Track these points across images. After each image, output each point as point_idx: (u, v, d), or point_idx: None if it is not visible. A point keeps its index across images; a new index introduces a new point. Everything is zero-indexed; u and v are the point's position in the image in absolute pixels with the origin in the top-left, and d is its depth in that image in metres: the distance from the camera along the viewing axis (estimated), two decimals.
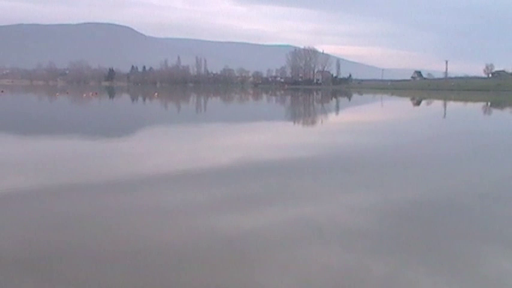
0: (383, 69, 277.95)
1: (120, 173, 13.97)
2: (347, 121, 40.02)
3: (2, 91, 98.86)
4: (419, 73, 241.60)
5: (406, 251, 7.86)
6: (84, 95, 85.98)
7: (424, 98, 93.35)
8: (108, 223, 9.12)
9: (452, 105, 72.77)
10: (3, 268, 6.91)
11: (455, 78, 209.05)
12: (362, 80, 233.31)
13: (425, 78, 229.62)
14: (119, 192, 11.57)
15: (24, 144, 20.70)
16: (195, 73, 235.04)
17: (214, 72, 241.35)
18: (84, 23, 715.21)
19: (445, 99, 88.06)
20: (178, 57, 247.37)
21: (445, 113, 54.01)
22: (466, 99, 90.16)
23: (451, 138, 26.17)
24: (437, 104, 75.19)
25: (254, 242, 8.14)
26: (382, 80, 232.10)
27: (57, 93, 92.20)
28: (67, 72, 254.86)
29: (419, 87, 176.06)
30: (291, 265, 7.18)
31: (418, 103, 78.02)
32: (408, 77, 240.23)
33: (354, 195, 11.61)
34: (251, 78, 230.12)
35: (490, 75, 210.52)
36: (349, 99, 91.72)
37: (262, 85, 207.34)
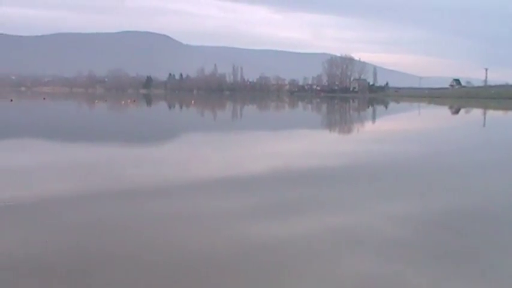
0: (421, 77, 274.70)
1: (157, 180, 14.09)
2: (383, 129, 39.64)
3: (44, 98, 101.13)
4: (457, 81, 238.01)
5: (445, 262, 7.72)
6: (123, 102, 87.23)
7: (463, 107, 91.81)
8: (144, 230, 9.19)
9: (492, 114, 71.40)
10: (43, 274, 7.06)
11: (496, 86, 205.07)
12: (399, 88, 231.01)
13: (464, 86, 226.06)
14: (155, 199, 11.67)
15: (64, 151, 21.09)
16: (232, 81, 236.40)
17: (250, 80, 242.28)
18: (123, 32, 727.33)
19: (485, 107, 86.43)
20: (215, 65, 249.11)
21: (484, 122, 53.02)
22: (506, 108, 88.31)
23: (490, 147, 25.69)
24: (477, 112, 73.91)
25: (290, 250, 8.09)
26: (419, 88, 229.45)
27: (96, 101, 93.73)
28: (106, 79, 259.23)
29: (458, 96, 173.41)
30: (326, 275, 7.13)
31: (456, 112, 76.85)
32: (446, 85, 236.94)
33: (391, 204, 11.47)
34: (287, 86, 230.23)
35: None
36: (386, 108, 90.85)
37: (298, 93, 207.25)
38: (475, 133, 36.74)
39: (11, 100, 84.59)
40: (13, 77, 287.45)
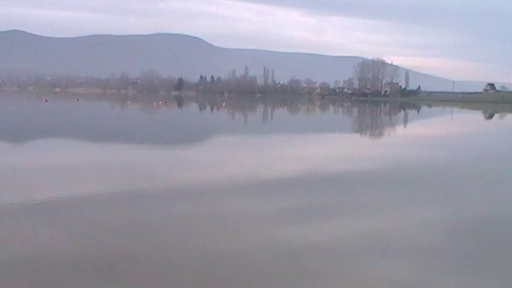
0: (454, 81, 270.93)
1: (188, 181, 14.25)
2: (415, 134, 39.25)
3: (78, 99, 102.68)
4: (492, 85, 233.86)
5: (478, 271, 7.65)
6: (154, 103, 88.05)
7: (497, 112, 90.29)
8: (175, 230, 9.34)
9: None
10: (75, 271, 7.23)
11: None
12: (431, 92, 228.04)
13: (498, 91, 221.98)
14: (186, 200, 11.81)
15: (98, 152, 21.43)
16: (263, 83, 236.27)
17: (281, 82, 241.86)
18: (155, 34, 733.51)
19: None
20: (246, 68, 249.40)
21: None
22: None
23: None
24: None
25: (320, 254, 8.13)
26: (452, 93, 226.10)
27: (129, 102, 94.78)
28: (138, 81, 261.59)
29: (492, 100, 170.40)
30: (357, 279, 7.14)
31: (490, 117, 75.62)
32: (480, 90, 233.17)
33: (423, 210, 11.40)
34: (318, 90, 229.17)
35: None
36: (418, 112, 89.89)
37: (329, 96, 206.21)
38: (509, 139, 36.14)
39: (46, 100, 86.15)
40: (48, 78, 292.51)
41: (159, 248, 8.26)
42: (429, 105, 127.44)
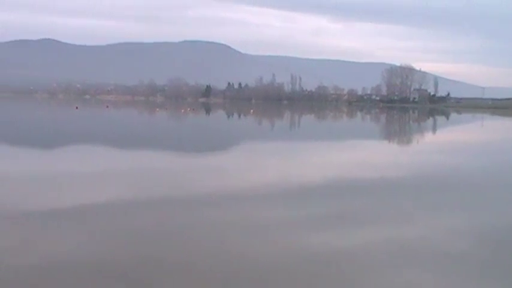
0: (484, 88, 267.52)
1: (216, 188, 14.41)
2: (444, 140, 38.92)
3: (107, 106, 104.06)
4: None
5: (509, 280, 7.64)
6: (182, 110, 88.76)
7: None
8: (201, 237, 9.45)
9: None
10: (103, 277, 7.44)
11: None
12: (461, 99, 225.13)
13: None
14: (213, 206, 11.95)
15: (128, 158, 21.75)
16: (290, 90, 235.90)
17: (308, 89, 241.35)
18: (183, 41, 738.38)
19: None
20: (273, 75, 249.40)
21: None
22: None
23: None
24: None
25: (347, 262, 8.18)
26: (482, 99, 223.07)
27: (157, 109, 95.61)
28: (166, 88, 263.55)
29: None
30: (382, 287, 7.22)
31: None
32: (511, 96, 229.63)
33: (452, 218, 11.38)
34: (345, 96, 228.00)
35: None
36: (447, 119, 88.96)
37: (357, 103, 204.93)
38: None
39: (76, 107, 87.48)
40: (78, 85, 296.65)
41: (186, 254, 8.39)
42: (458, 112, 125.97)
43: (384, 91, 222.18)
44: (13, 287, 6.92)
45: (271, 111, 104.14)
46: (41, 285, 6.98)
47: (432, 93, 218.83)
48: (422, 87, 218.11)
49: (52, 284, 7.02)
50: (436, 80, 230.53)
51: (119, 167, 18.63)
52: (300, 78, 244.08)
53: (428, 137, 44.68)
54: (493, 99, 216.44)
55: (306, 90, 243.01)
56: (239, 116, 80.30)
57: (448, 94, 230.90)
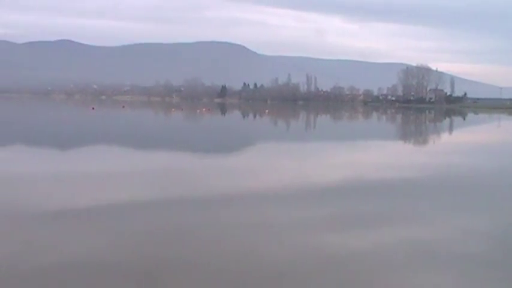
0: (501, 88, 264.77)
1: (231, 188, 14.50)
2: (460, 141, 38.66)
3: (123, 106, 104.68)
4: None
5: None
6: (198, 111, 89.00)
7: None
8: (218, 237, 9.48)
9: None
10: (120, 277, 7.53)
11: None
12: (478, 99, 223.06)
13: None
14: (230, 206, 12.04)
15: (145, 158, 21.89)
16: (305, 91, 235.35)
17: (324, 89, 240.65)
18: (199, 42, 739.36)
19: None
20: (289, 75, 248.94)
21: None
22: None
23: None
24: None
25: (365, 263, 8.16)
26: (500, 99, 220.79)
27: (173, 109, 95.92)
28: (182, 89, 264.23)
29: None
30: None
31: None
32: None
33: (471, 218, 11.35)
34: (361, 97, 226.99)
35: None
36: (464, 119, 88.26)
37: (373, 103, 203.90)
38: None
39: (93, 108, 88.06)
40: (95, 86, 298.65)
41: (203, 254, 8.44)
42: (475, 112, 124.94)
43: (400, 91, 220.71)
44: (35, 285, 7.04)
45: (287, 112, 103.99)
46: (67, 282, 7.09)
47: (449, 94, 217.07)
48: (439, 87, 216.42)
49: (74, 283, 7.13)
50: (453, 80, 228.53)
51: (136, 167, 18.72)
52: (316, 79, 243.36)
53: (445, 137, 44.42)
54: (510, 100, 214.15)
55: (322, 90, 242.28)
56: (254, 116, 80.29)
57: (465, 94, 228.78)
